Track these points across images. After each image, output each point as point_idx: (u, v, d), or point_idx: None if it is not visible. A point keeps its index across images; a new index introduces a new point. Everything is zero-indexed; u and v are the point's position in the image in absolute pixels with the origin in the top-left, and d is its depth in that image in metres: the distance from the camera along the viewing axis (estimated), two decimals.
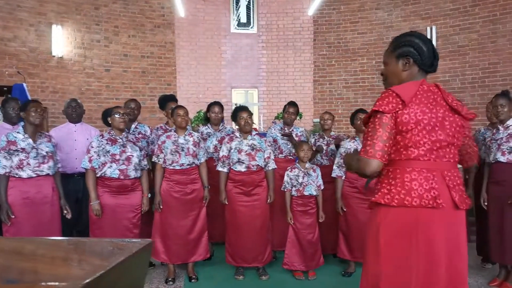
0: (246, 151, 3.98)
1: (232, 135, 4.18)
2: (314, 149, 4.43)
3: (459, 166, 1.98)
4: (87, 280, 0.65)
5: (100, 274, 0.67)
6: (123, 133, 3.75)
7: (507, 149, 3.63)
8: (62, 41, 7.89)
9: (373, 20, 8.95)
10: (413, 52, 1.87)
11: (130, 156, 3.67)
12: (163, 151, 3.89)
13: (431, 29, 8.34)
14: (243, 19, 9.41)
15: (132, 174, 3.68)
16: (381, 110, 1.76)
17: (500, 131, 3.71)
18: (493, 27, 7.93)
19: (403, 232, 1.75)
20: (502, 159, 3.66)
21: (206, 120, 4.84)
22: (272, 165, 4.10)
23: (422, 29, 8.43)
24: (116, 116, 3.68)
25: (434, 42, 8.24)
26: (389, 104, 1.76)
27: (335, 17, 9.26)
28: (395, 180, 1.79)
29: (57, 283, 0.64)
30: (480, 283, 3.87)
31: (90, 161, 3.61)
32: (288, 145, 4.53)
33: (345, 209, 4.03)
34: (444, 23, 8.37)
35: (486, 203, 3.86)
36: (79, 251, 0.95)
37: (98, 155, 3.61)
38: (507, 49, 7.81)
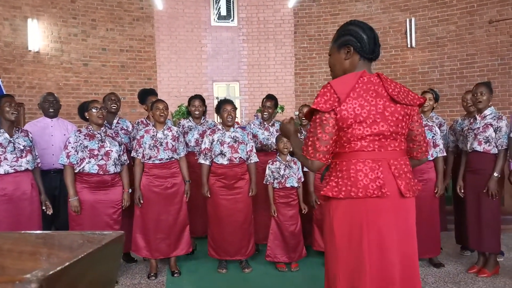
0: (228, 143, 3.96)
1: (215, 127, 4.15)
2: None
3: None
4: (50, 273, 0.63)
5: (64, 266, 0.65)
6: (102, 128, 3.69)
7: (484, 139, 3.69)
8: (38, 35, 7.72)
9: (353, 12, 8.99)
10: (353, 40, 1.87)
11: (109, 151, 3.62)
12: (142, 145, 3.85)
13: (410, 21, 8.42)
14: (223, 12, 9.35)
15: (112, 169, 3.63)
16: (318, 108, 1.76)
17: (477, 121, 3.76)
18: (470, 19, 8.05)
19: (354, 223, 1.77)
20: (479, 148, 3.71)
21: (187, 113, 4.80)
22: (254, 158, 4.09)
23: (401, 20, 8.51)
24: (94, 110, 3.62)
25: (413, 34, 8.38)
26: (327, 102, 1.76)
27: (315, 9, 9.27)
28: (342, 172, 1.80)
29: (17, 276, 0.62)
30: (459, 270, 3.94)
31: (68, 156, 3.54)
32: (268, 140, 4.52)
33: (319, 202, 4.05)
34: (423, 15, 8.46)
35: (462, 191, 3.93)
36: (48, 245, 0.93)
37: (76, 151, 3.55)
38: (484, 40, 7.94)
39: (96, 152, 3.57)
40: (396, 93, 1.81)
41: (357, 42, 1.86)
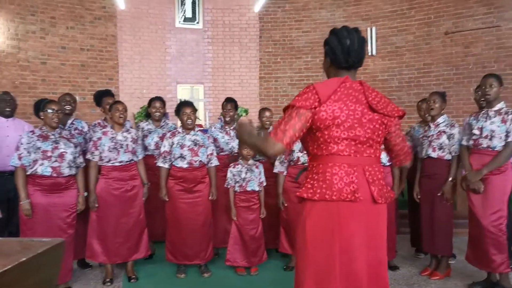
0: (188, 146, 3.92)
1: (175, 130, 4.11)
2: None
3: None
4: None
5: None
6: (56, 129, 3.57)
7: (437, 146, 3.82)
8: None
9: (317, 19, 9.14)
10: (329, 51, 1.94)
11: (64, 153, 3.51)
12: (98, 148, 3.75)
13: (371, 29, 8.63)
14: (189, 14, 9.28)
15: (66, 171, 3.51)
16: (297, 105, 1.81)
17: (431, 128, 3.90)
18: (427, 30, 8.35)
19: (326, 226, 1.81)
20: (433, 154, 3.85)
21: (147, 116, 4.72)
22: (215, 162, 4.07)
23: (363, 29, 8.69)
24: (49, 111, 3.49)
25: (374, 42, 8.59)
26: (307, 100, 1.81)
27: (280, 15, 9.36)
28: (318, 175, 1.84)
29: None
30: (412, 272, 4.06)
31: (19, 158, 3.41)
32: (228, 144, 4.51)
33: (286, 204, 4.08)
34: (383, 24, 8.70)
35: (419, 197, 4.05)
36: None
37: (28, 152, 3.42)
38: (440, 51, 8.25)
39: (49, 154, 3.44)
40: (375, 102, 1.87)
41: (331, 53, 1.92)
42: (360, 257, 1.80)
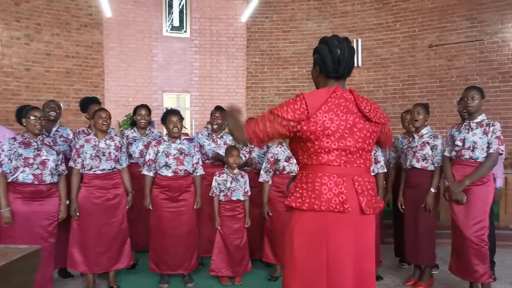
0: (174, 155, 3.90)
1: (160, 138, 4.08)
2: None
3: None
4: None
5: None
6: (39, 136, 3.52)
7: (421, 156, 3.86)
8: None
9: (303, 30, 9.23)
10: (319, 60, 1.94)
11: (46, 160, 3.45)
12: (81, 155, 3.70)
13: (357, 41, 8.75)
14: (176, 23, 9.30)
15: (48, 179, 3.46)
16: (280, 115, 1.81)
17: (416, 139, 3.94)
18: (412, 42, 8.49)
19: (314, 235, 1.80)
20: (417, 165, 3.88)
21: (132, 124, 4.68)
22: (200, 171, 4.04)
23: None
24: (32, 118, 3.43)
25: (359, 54, 8.69)
26: (295, 111, 1.81)
27: (268, 25, 9.43)
28: (307, 184, 1.84)
29: None
30: (396, 283, 4.07)
31: (0, 165, 3.34)
32: (214, 152, 4.49)
33: (271, 214, 4.07)
34: (369, 37, 8.82)
35: (403, 207, 4.07)
36: None
37: (9, 159, 3.36)
38: (424, 63, 8.40)
39: (31, 161, 3.39)
40: (368, 111, 1.88)
41: (321, 62, 1.91)
42: (348, 268, 1.79)
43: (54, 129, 4.14)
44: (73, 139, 4.22)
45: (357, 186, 1.83)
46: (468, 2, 8.01)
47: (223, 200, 4.01)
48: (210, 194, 4.04)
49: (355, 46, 8.66)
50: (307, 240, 1.81)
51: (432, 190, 3.78)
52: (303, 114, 1.80)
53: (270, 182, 4.10)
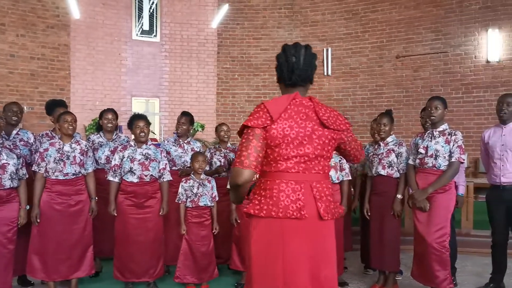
0: (139, 160, 3.83)
1: (127, 144, 4.00)
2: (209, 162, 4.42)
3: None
4: None
5: None
6: None
7: (387, 163, 3.93)
8: None
9: (275, 38, 9.30)
10: (277, 68, 1.96)
11: (6, 164, 3.33)
12: (45, 159, 3.58)
13: (327, 50, 8.87)
14: (146, 27, 9.21)
15: (8, 183, 3.33)
16: (250, 125, 1.81)
17: (381, 147, 4.02)
18: (380, 53, 8.69)
19: (271, 242, 1.80)
20: (383, 172, 3.95)
21: (98, 128, 4.57)
22: (167, 177, 3.99)
23: (319, 49, 8.95)
24: None
25: (329, 63, 8.82)
26: (259, 119, 1.82)
27: (239, 32, 9.46)
28: (266, 191, 1.84)
29: None
30: None
31: None
32: (181, 158, 4.44)
33: (239, 221, 4.05)
34: (338, 46, 8.97)
35: (369, 214, 4.13)
36: None
37: None
38: (392, 73, 8.60)
39: None
40: (326, 118, 1.88)
41: (279, 69, 1.94)
42: (305, 275, 1.79)
43: (14, 132, 4.00)
44: (33, 143, 4.08)
45: (315, 192, 1.84)
46: (434, 15, 8.28)
47: (190, 206, 3.96)
48: (176, 201, 3.98)
49: (325, 55, 8.83)
50: (265, 247, 1.81)
51: (399, 196, 3.85)
52: (267, 120, 1.81)
53: None
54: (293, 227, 1.79)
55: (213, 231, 4.05)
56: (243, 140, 1.84)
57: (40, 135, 4.26)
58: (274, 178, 1.84)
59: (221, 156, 4.52)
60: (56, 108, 4.29)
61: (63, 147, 3.64)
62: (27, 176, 3.57)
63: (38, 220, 3.53)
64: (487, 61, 7.89)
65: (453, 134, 3.55)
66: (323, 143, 1.88)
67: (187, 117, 4.51)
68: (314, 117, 1.88)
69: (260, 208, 1.82)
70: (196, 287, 3.98)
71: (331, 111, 1.95)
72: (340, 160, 4.07)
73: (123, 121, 5.70)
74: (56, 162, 3.58)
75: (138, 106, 8.98)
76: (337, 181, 4.03)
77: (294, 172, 1.83)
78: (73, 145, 3.70)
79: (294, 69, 1.91)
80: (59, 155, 3.60)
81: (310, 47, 1.99)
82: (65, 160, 3.61)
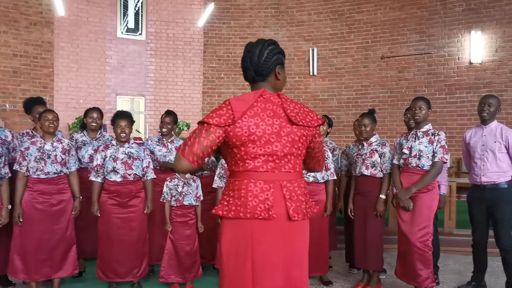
0: (122, 160, 3.79)
1: (109, 143, 3.96)
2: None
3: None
4: None
5: None
6: None
7: (370, 164, 3.96)
8: None
9: (261, 38, 9.27)
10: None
11: None
12: (26, 158, 3.53)
13: (313, 50, 8.91)
14: (131, 25, 9.12)
15: None
16: (210, 123, 1.75)
17: (365, 147, 4.04)
18: (365, 53, 8.76)
19: (239, 243, 1.77)
20: (366, 172, 3.98)
21: (82, 127, 4.50)
22: (151, 175, 3.95)
23: (305, 49, 8.98)
24: None
25: (315, 63, 8.86)
26: (220, 117, 1.76)
27: (225, 31, 9.44)
28: (234, 191, 1.80)
29: None
30: (346, 287, 4.14)
31: None
32: (166, 157, 4.41)
33: None
34: (324, 46, 9.02)
35: (353, 214, 4.16)
36: None
37: None
38: (377, 74, 8.67)
39: None
40: (294, 114, 1.81)
41: (241, 66, 1.92)
42: (275, 276, 1.76)
43: None
44: (11, 141, 4.00)
45: (285, 192, 1.79)
46: (418, 16, 8.38)
47: (175, 205, 3.94)
48: (161, 200, 3.96)
49: (310, 55, 8.87)
50: (234, 248, 1.78)
51: (382, 196, 3.89)
52: (230, 119, 1.75)
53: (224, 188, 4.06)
54: (261, 227, 1.75)
55: (199, 230, 4.03)
56: (196, 131, 1.79)
57: (21, 134, 4.18)
58: (242, 178, 1.79)
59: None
60: (35, 106, 4.21)
61: (44, 146, 3.59)
62: (9, 175, 3.50)
63: (21, 220, 3.48)
64: (470, 63, 8.01)
65: (436, 134, 3.59)
66: (292, 141, 1.81)
67: (171, 117, 4.47)
68: (282, 113, 1.82)
69: (228, 209, 1.78)
70: (181, 287, 3.96)
71: (300, 107, 1.88)
72: (326, 159, 4.08)
73: (107, 120, 5.64)
74: (36, 161, 3.53)
75: (123, 104, 8.90)
76: (322, 181, 4.05)
77: (263, 171, 1.78)
78: (55, 144, 3.64)
79: (248, 65, 1.88)
80: (39, 154, 3.54)
81: (272, 42, 1.93)
82: (46, 159, 3.56)
